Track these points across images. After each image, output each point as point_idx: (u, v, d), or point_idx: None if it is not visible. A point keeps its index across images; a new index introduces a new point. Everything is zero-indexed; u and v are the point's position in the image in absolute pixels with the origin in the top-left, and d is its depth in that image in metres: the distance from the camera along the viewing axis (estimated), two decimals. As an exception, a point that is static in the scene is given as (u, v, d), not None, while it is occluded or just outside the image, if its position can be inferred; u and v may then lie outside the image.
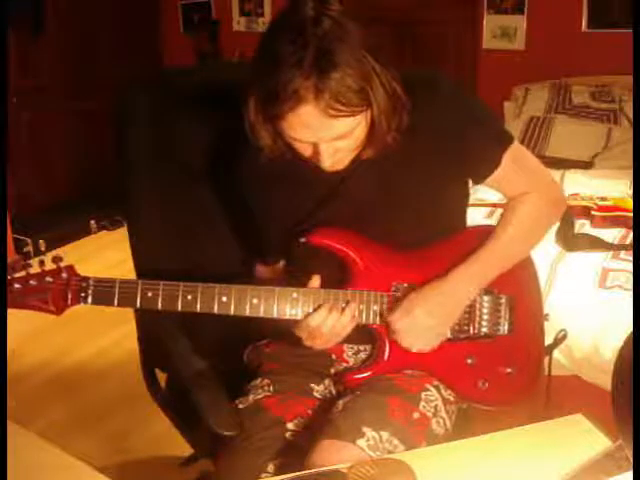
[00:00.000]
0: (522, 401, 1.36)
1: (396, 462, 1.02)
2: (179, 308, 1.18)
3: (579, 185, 2.84)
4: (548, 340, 1.42)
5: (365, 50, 1.03)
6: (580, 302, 2.01)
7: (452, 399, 1.29)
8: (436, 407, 1.23)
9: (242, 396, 1.30)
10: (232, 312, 1.18)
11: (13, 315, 1.16)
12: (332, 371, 1.35)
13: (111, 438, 2.30)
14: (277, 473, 1.15)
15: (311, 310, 1.20)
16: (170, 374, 1.53)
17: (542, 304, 1.40)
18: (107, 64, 4.32)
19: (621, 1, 3.50)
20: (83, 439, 2.25)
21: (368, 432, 1.12)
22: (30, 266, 1.14)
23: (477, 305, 1.29)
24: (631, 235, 2.32)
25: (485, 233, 1.30)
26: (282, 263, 1.37)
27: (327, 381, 1.34)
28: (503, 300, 1.30)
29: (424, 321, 1.23)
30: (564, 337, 1.43)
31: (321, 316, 1.19)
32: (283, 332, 1.28)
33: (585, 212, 2.55)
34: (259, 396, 1.28)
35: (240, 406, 1.27)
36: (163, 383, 1.53)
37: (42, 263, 1.15)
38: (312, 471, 1.04)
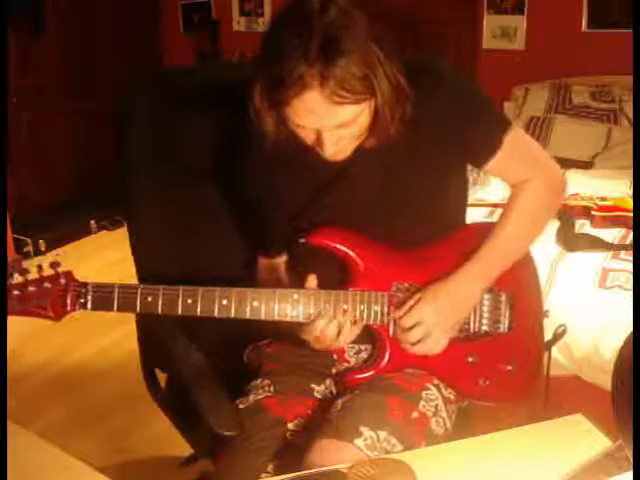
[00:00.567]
0: (523, 397, 1.36)
1: (396, 462, 1.02)
2: (179, 312, 1.17)
3: (579, 185, 2.84)
4: (547, 336, 1.42)
5: (370, 40, 1.05)
6: (580, 302, 2.01)
7: (453, 398, 1.29)
8: (436, 406, 1.23)
9: (242, 396, 1.30)
10: (233, 315, 1.18)
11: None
12: (333, 371, 1.35)
13: (111, 438, 2.29)
14: (277, 473, 1.15)
15: (312, 311, 1.20)
16: (170, 374, 1.53)
17: (542, 301, 1.40)
18: (107, 64, 4.32)
19: (621, 1, 3.50)
20: (83, 439, 2.25)
21: (366, 432, 1.12)
22: (28, 272, 1.14)
23: (477, 303, 1.29)
24: (631, 235, 2.31)
25: (485, 230, 1.30)
26: (284, 256, 1.37)
27: (328, 381, 1.34)
28: (503, 298, 1.30)
29: (433, 320, 1.23)
30: (563, 333, 1.44)
31: (322, 323, 1.19)
32: (284, 332, 1.28)
33: (585, 212, 2.55)
34: (260, 396, 1.28)
35: (240, 406, 1.27)
36: (163, 383, 1.53)
37: (40, 269, 1.14)
38: (312, 471, 1.04)
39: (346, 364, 1.34)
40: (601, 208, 2.58)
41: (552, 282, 2.05)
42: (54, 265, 1.15)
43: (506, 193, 1.36)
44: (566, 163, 3.20)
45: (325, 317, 1.19)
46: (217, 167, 1.41)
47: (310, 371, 1.34)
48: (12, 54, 3.76)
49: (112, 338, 2.83)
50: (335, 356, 1.34)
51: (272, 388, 1.30)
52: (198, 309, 1.17)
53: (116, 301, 1.16)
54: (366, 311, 1.23)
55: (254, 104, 1.12)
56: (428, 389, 1.25)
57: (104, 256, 3.72)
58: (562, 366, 1.98)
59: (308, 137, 1.13)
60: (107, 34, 4.36)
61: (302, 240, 1.23)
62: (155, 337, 1.37)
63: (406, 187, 1.24)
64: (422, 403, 1.22)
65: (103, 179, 3.43)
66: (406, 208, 1.26)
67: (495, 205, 2.45)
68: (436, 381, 1.27)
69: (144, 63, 4.49)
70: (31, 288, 1.14)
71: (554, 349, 1.84)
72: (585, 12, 3.62)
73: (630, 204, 2.59)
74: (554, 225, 2.18)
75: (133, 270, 1.52)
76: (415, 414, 1.19)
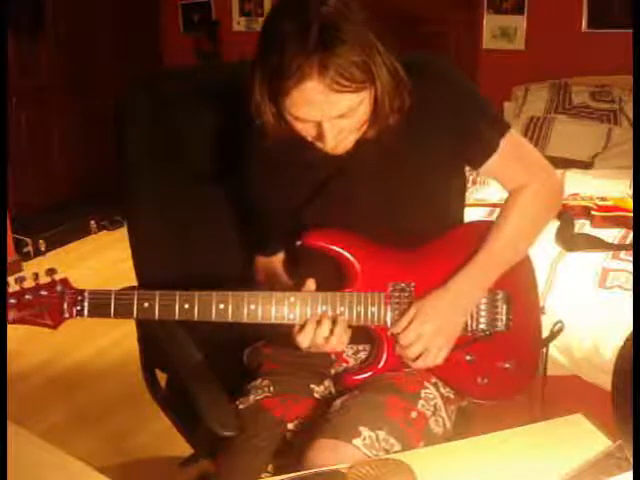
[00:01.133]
0: (521, 393, 1.36)
1: (396, 462, 1.02)
2: (176, 317, 1.17)
3: (579, 185, 2.84)
4: (544, 333, 1.42)
5: (368, 29, 1.06)
6: (580, 302, 2.01)
7: (452, 397, 1.29)
8: (435, 405, 1.23)
9: (242, 397, 1.29)
10: (230, 319, 1.18)
11: (13, 315, 1.15)
12: (332, 372, 1.35)
13: (111, 438, 2.30)
14: (277, 473, 1.15)
15: (309, 313, 1.19)
16: (170, 374, 1.53)
17: (539, 298, 1.40)
18: (107, 64, 4.32)
19: (621, 1, 3.50)
20: (83, 439, 2.25)
21: (364, 431, 1.12)
22: (24, 279, 1.13)
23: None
24: (631, 235, 2.31)
25: (482, 229, 1.30)
26: (280, 255, 1.37)
27: (327, 382, 1.34)
28: (500, 296, 1.30)
29: (432, 335, 1.22)
30: (560, 329, 1.44)
31: (309, 334, 1.18)
32: (282, 333, 1.28)
33: (585, 212, 2.55)
34: (259, 397, 1.28)
35: (240, 406, 1.27)
36: (163, 383, 1.53)
37: (36, 276, 1.14)
38: (312, 471, 1.04)
39: (345, 364, 1.34)
40: (601, 208, 2.58)
41: (552, 282, 2.05)
42: (50, 272, 1.14)
43: (505, 193, 1.35)
44: (566, 163, 3.21)
45: (307, 332, 1.18)
46: (217, 167, 1.41)
47: (309, 372, 1.34)
48: (12, 54, 3.76)
49: (112, 338, 2.83)
50: (333, 356, 1.34)
51: (272, 388, 1.30)
52: (195, 314, 1.17)
53: (113, 307, 1.15)
54: (363, 312, 1.22)
55: (254, 98, 1.12)
56: (427, 388, 1.25)
57: (104, 256, 3.72)
58: (562, 366, 1.98)
59: (308, 132, 1.13)
60: (107, 34, 4.36)
61: (298, 243, 1.23)
62: (155, 337, 1.37)
63: (405, 186, 1.24)
64: (421, 402, 1.22)
65: (103, 179, 3.44)
66: (405, 207, 1.25)
67: (495, 205, 2.44)
68: (434, 380, 1.27)
69: (144, 63, 4.49)
70: (27, 296, 1.13)
71: (554, 349, 1.84)
72: (585, 12, 3.62)
73: (630, 204, 2.58)
74: (554, 225, 2.18)
75: (133, 270, 1.52)
76: (414, 414, 1.19)
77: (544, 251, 2.01)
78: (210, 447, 1.28)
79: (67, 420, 2.39)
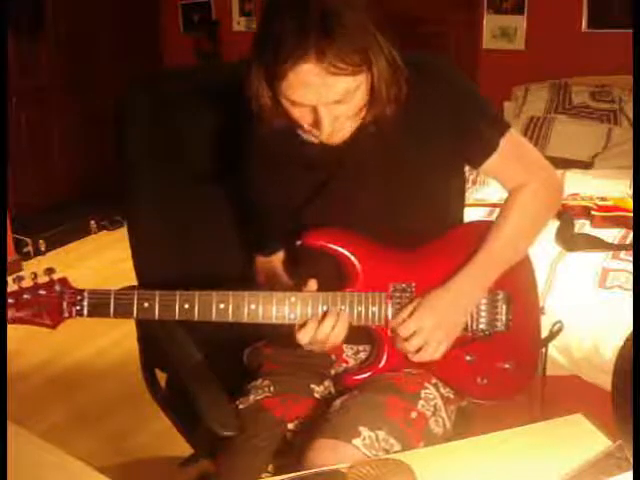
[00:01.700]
0: (521, 393, 1.37)
1: (396, 462, 1.01)
2: (176, 317, 1.17)
3: (579, 185, 2.84)
4: (544, 333, 1.43)
5: (367, 17, 1.07)
6: (580, 302, 2.01)
7: (452, 397, 1.29)
8: (435, 406, 1.23)
9: (242, 396, 1.29)
10: (230, 319, 1.17)
11: (13, 315, 1.15)
12: (332, 372, 1.35)
13: (111, 438, 2.30)
14: (277, 473, 1.15)
15: (310, 313, 1.19)
16: (170, 374, 1.53)
17: (539, 298, 1.40)
18: (107, 64, 4.32)
19: (621, 1, 3.50)
20: (83, 439, 2.25)
21: (364, 431, 1.12)
22: (23, 279, 1.12)
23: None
24: (631, 235, 2.31)
25: (482, 228, 1.30)
26: (280, 254, 1.37)
27: (327, 382, 1.34)
28: (500, 296, 1.30)
29: (432, 328, 1.22)
30: (560, 329, 1.44)
31: (311, 330, 1.18)
32: (283, 333, 1.28)
33: (585, 212, 2.55)
34: (259, 397, 1.28)
35: (240, 406, 1.27)
36: (163, 383, 1.53)
37: (35, 276, 1.13)
38: (312, 471, 1.04)
39: (345, 365, 1.34)
40: (601, 208, 2.58)
41: (552, 282, 2.05)
42: (49, 272, 1.14)
43: (505, 193, 1.35)
44: (566, 163, 3.21)
45: (308, 330, 1.18)
46: (217, 167, 1.41)
47: (309, 372, 1.34)
48: (12, 54, 3.76)
49: (112, 338, 2.83)
50: (334, 357, 1.34)
51: (272, 388, 1.29)
52: (195, 314, 1.16)
53: (112, 307, 1.15)
54: (364, 312, 1.22)
55: (251, 82, 1.12)
56: (427, 389, 1.25)
57: (104, 256, 3.72)
58: (562, 366, 1.98)
59: (304, 118, 1.13)
60: (107, 34, 4.36)
61: (298, 242, 1.23)
62: (155, 337, 1.37)
63: (405, 185, 1.24)
64: (421, 403, 1.22)
65: (103, 179, 3.44)
66: (405, 207, 1.25)
67: (494, 205, 2.44)
68: (434, 380, 1.27)
69: (144, 63, 4.49)
70: (26, 296, 1.13)
71: (553, 349, 1.84)
72: (585, 12, 3.62)
73: (630, 204, 2.59)
74: (554, 225, 2.18)
75: (133, 270, 1.52)
76: (414, 414, 1.19)
77: (544, 251, 2.01)
78: (210, 447, 1.28)
79: (67, 420, 2.39)
